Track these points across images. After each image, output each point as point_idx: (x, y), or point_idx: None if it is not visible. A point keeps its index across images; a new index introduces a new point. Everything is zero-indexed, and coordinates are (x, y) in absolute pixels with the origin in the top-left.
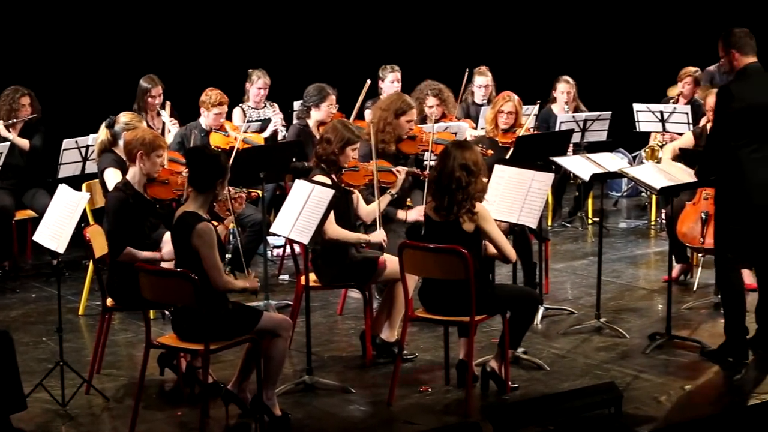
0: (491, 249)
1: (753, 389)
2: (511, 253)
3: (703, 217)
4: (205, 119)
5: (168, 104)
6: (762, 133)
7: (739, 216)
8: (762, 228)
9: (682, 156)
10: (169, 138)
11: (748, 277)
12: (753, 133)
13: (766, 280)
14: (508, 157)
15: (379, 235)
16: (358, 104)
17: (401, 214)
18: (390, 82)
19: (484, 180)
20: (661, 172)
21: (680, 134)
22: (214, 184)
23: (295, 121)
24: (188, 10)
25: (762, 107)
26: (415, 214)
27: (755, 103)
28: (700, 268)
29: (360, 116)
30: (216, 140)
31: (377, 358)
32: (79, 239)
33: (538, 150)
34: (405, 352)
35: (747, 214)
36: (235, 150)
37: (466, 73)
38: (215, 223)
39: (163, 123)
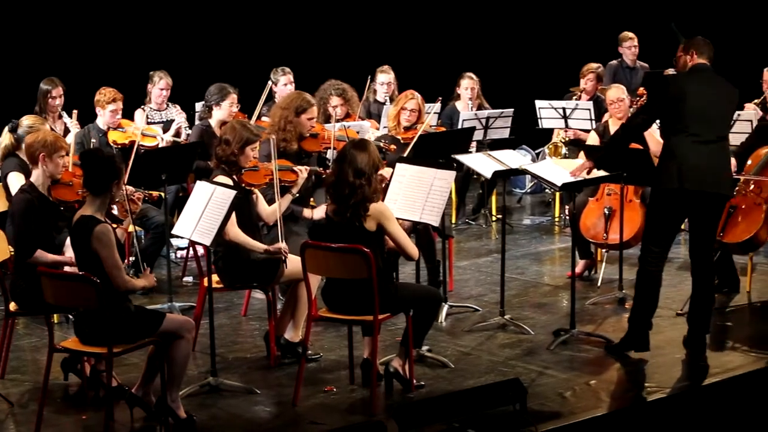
0: (390, 243)
1: (657, 384)
2: (413, 251)
3: (606, 212)
4: (102, 118)
5: (75, 112)
6: (694, 120)
7: (669, 203)
8: (695, 216)
9: (587, 153)
10: (69, 140)
11: None
12: (684, 120)
13: (698, 275)
14: (406, 154)
15: (278, 247)
16: (259, 106)
17: (307, 212)
18: (283, 84)
19: (382, 178)
20: (563, 168)
21: (583, 130)
22: (109, 186)
23: (197, 121)
24: (87, 13)
25: (698, 93)
26: (321, 212)
27: (691, 89)
28: (603, 264)
29: (260, 118)
30: (115, 137)
31: (282, 359)
32: None
33: (439, 148)
34: (309, 352)
35: (678, 201)
36: (136, 144)
37: (369, 79)
38: (114, 225)
39: (65, 125)
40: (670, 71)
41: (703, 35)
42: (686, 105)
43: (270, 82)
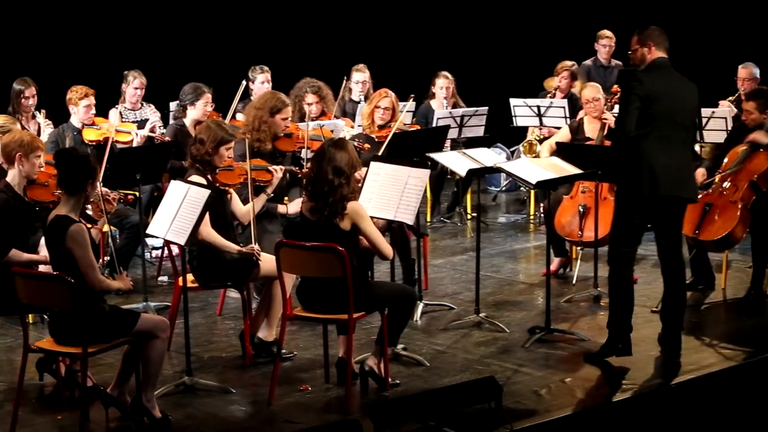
0: (364, 242)
1: (633, 381)
2: (387, 250)
3: (581, 210)
4: (76, 116)
5: (42, 111)
6: (663, 124)
7: (640, 207)
8: (664, 218)
9: (559, 150)
10: (44, 140)
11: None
12: (654, 122)
13: (669, 275)
14: (381, 152)
15: (251, 249)
16: (233, 105)
17: (282, 208)
18: (260, 83)
19: (359, 177)
20: (538, 166)
21: (558, 128)
22: (83, 185)
23: (171, 121)
24: (61, 13)
25: (664, 93)
26: (296, 206)
27: (658, 89)
28: (578, 262)
29: (234, 118)
30: (89, 135)
31: (257, 358)
32: None
33: (414, 146)
34: (284, 351)
35: (649, 205)
36: (110, 141)
37: (345, 79)
38: (89, 225)
39: (39, 125)
40: (588, 62)
41: (678, 33)
42: (655, 106)
43: (244, 82)
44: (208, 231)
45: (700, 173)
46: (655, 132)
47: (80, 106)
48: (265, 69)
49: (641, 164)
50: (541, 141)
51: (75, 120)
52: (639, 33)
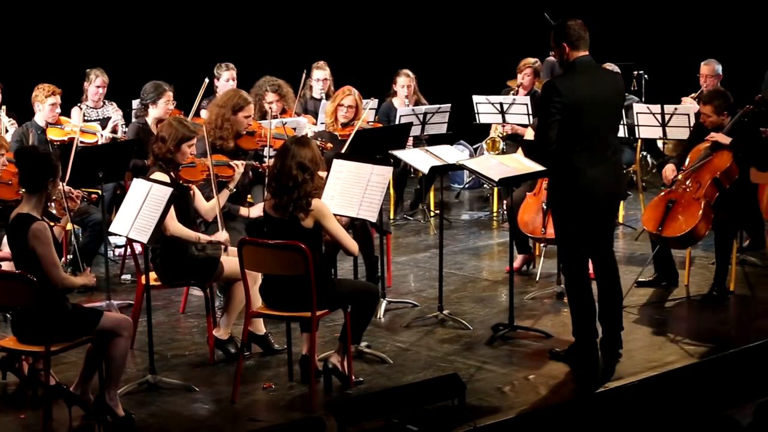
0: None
1: (596, 378)
2: (352, 246)
3: (544, 207)
4: (41, 113)
5: (3, 108)
6: (588, 130)
7: (574, 216)
8: (600, 219)
9: (523, 147)
10: (7, 138)
11: None
12: (579, 131)
13: (602, 274)
14: (344, 150)
15: (221, 236)
16: (196, 103)
17: (244, 211)
18: (225, 80)
19: (322, 175)
20: (500, 163)
21: (521, 125)
22: (45, 183)
23: (133, 119)
24: (22, 11)
25: (588, 102)
26: (258, 210)
27: (581, 98)
28: (542, 258)
29: (198, 115)
30: (54, 134)
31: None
32: None
33: (376, 143)
34: (247, 352)
35: (581, 213)
36: (75, 141)
37: (304, 74)
38: (51, 223)
39: (2, 123)
40: (551, 59)
41: (641, 31)
42: (579, 118)
43: (206, 80)
44: (174, 225)
45: (670, 169)
46: (580, 143)
47: (46, 104)
48: (231, 66)
49: (574, 179)
50: (504, 138)
51: (39, 118)
52: (554, 30)
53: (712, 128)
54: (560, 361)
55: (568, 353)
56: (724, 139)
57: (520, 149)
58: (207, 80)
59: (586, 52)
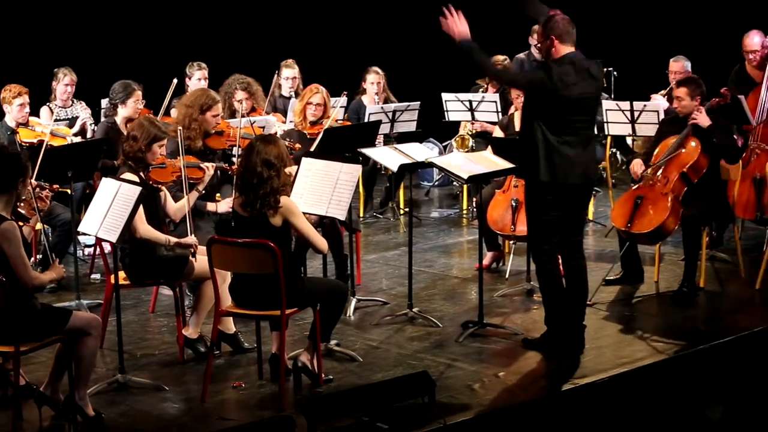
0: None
1: (566, 374)
2: (322, 244)
3: (513, 204)
4: (10, 115)
5: None
6: (573, 121)
7: (551, 199)
8: (574, 206)
9: (492, 145)
10: None
11: None
12: (562, 118)
13: (570, 268)
14: (313, 148)
15: (190, 240)
16: (165, 102)
17: (211, 206)
18: (197, 79)
19: (290, 172)
20: (469, 161)
21: (490, 123)
22: (15, 183)
23: (102, 118)
24: None
25: (576, 95)
26: (225, 205)
27: (571, 90)
28: (511, 256)
29: (167, 114)
30: (24, 136)
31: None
32: None
33: (346, 142)
34: (217, 352)
35: (560, 194)
36: (45, 144)
37: (276, 76)
38: (21, 223)
39: None
40: (521, 56)
41: (610, 28)
42: (570, 104)
43: (175, 80)
44: (144, 228)
45: (638, 164)
46: (568, 132)
47: (14, 105)
48: (203, 66)
49: (554, 158)
50: (473, 136)
51: (9, 119)
52: (543, 25)
53: (684, 116)
54: (533, 349)
55: (541, 341)
56: (705, 120)
57: (489, 147)
58: (176, 81)
59: (573, 48)
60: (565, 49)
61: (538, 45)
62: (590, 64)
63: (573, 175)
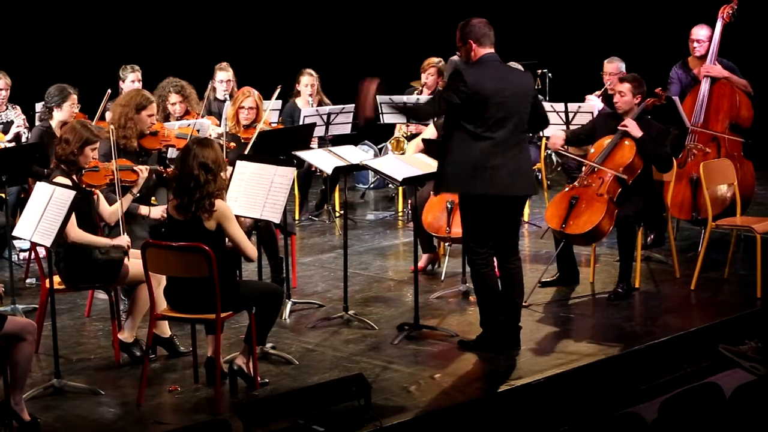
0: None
1: (502, 376)
2: (252, 252)
3: (449, 206)
4: None
5: None
6: (493, 123)
7: (479, 207)
8: (502, 215)
9: (426, 147)
10: None
11: None
12: (484, 123)
13: (505, 271)
14: (247, 152)
15: (122, 240)
16: (101, 107)
17: (144, 209)
18: (131, 81)
19: (225, 176)
20: (404, 163)
21: (425, 125)
22: None
23: (37, 122)
24: None
25: (494, 95)
26: (158, 212)
27: (487, 90)
28: (447, 258)
29: (102, 119)
30: None
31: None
32: None
33: (280, 144)
34: (152, 355)
35: (486, 205)
36: None
37: (212, 79)
38: None
39: None
40: (455, 58)
41: (544, 29)
42: (488, 109)
43: (109, 90)
44: (76, 232)
45: (559, 137)
46: (487, 135)
47: None
48: (136, 68)
49: (476, 168)
50: (408, 138)
51: None
52: (460, 30)
53: (622, 112)
54: (469, 350)
55: (476, 343)
56: (636, 131)
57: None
58: (110, 91)
59: (492, 50)
60: (483, 50)
61: (458, 48)
62: (510, 69)
63: (497, 184)
